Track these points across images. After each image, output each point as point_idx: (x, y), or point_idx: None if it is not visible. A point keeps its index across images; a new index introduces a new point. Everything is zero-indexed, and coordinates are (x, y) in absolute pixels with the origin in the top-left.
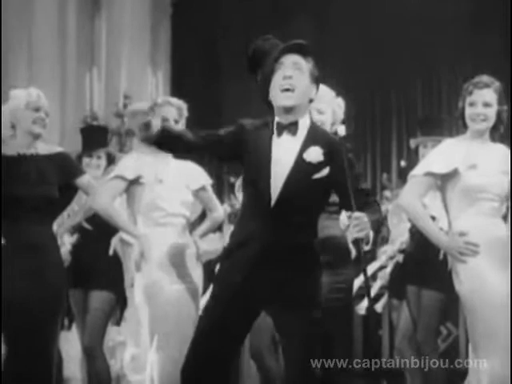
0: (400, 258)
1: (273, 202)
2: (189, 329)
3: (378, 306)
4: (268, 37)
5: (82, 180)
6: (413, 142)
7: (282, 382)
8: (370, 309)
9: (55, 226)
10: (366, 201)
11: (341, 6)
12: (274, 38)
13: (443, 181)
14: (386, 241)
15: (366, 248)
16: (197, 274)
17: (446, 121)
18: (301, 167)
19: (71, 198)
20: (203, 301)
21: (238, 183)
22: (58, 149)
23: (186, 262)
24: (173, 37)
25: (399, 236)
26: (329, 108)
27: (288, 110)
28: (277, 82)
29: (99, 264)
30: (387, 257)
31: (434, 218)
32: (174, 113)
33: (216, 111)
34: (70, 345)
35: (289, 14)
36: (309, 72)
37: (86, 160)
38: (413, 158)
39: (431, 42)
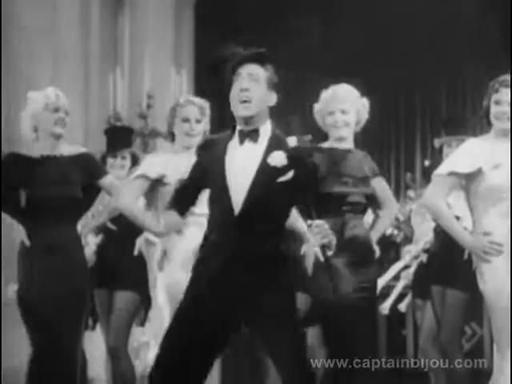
0: (424, 257)
1: (237, 210)
2: None
3: (402, 306)
4: (230, 45)
5: (106, 180)
6: (437, 142)
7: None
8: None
9: (79, 227)
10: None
11: (366, 5)
12: (234, 46)
13: (467, 180)
14: (409, 240)
15: (330, 253)
16: None
17: (471, 120)
18: (265, 172)
19: (94, 199)
20: None
21: None
22: (82, 149)
23: None
24: (196, 35)
25: (423, 235)
26: (352, 108)
27: (247, 120)
28: (235, 93)
29: (124, 264)
30: (411, 256)
31: (458, 218)
32: (196, 112)
33: None
34: (95, 345)
35: (313, 10)
36: (266, 81)
37: (110, 161)
38: (437, 158)
39: (455, 42)
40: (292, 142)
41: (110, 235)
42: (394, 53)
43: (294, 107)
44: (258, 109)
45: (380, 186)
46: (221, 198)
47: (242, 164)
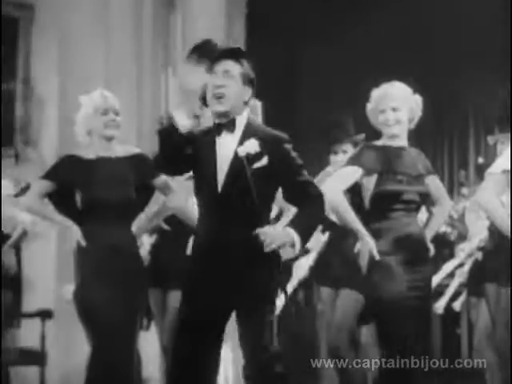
0: (479, 255)
1: (219, 193)
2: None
3: (457, 305)
4: (208, 40)
5: (159, 180)
6: (490, 139)
7: (361, 381)
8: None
9: (134, 227)
10: (305, 195)
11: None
12: (212, 42)
13: None
14: (463, 238)
15: (296, 253)
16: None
17: None
18: (239, 159)
19: (149, 199)
20: (280, 301)
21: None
22: (136, 150)
23: None
24: (247, 35)
25: (477, 233)
26: (404, 105)
27: (222, 115)
28: (210, 89)
29: (178, 264)
30: (465, 254)
31: None
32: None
33: (291, 109)
34: (149, 345)
35: (370, 9)
36: (240, 76)
37: None
38: (490, 155)
39: (507, 37)
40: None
41: (163, 235)
42: (446, 49)
43: (347, 106)
44: (232, 105)
45: (434, 184)
46: (209, 182)
47: (221, 154)
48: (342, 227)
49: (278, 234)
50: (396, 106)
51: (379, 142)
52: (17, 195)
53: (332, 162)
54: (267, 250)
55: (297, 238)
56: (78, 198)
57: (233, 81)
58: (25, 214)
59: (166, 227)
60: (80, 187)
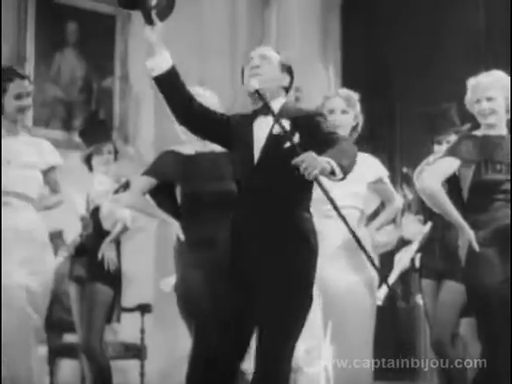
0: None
1: (255, 166)
2: (364, 321)
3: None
4: None
5: None
6: None
7: (462, 376)
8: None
9: None
10: (331, 138)
11: None
12: None
13: None
14: None
15: (339, 177)
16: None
17: None
18: (272, 140)
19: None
20: (380, 292)
21: (416, 173)
22: None
23: (361, 254)
24: (343, 29)
25: None
26: (501, 94)
27: (256, 95)
28: (246, 72)
29: None
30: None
31: None
32: (342, 104)
33: (389, 102)
34: None
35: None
36: (278, 63)
37: None
38: None
39: None
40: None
41: None
42: None
43: (453, 96)
44: (268, 84)
45: None
46: (245, 159)
47: (256, 137)
48: (444, 218)
49: (316, 158)
50: (491, 95)
51: (478, 132)
52: (116, 192)
53: (435, 151)
54: (310, 177)
55: (336, 165)
56: (178, 192)
57: (269, 63)
58: (124, 210)
59: None
60: (181, 182)
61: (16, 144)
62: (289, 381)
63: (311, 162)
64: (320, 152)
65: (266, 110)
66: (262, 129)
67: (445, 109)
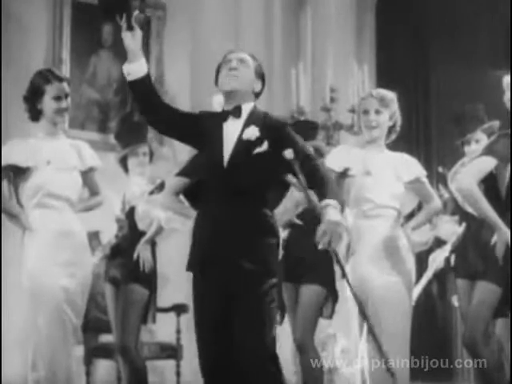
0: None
1: (224, 168)
2: (401, 321)
3: None
4: None
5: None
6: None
7: (497, 373)
8: None
9: None
10: (312, 166)
11: None
12: None
13: None
14: None
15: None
16: (409, 266)
17: None
18: (241, 145)
19: (283, 195)
20: (416, 292)
21: (450, 174)
22: None
23: (399, 254)
24: (377, 28)
25: None
26: None
27: (231, 94)
28: (223, 72)
29: (309, 258)
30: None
31: None
32: (376, 104)
33: (425, 102)
34: (282, 339)
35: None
36: (254, 68)
37: None
38: None
39: None
40: (289, 154)
41: (296, 230)
42: None
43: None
44: (243, 86)
45: None
46: (215, 160)
47: (226, 139)
48: (479, 218)
49: (338, 226)
50: None
51: None
52: (151, 192)
53: (467, 152)
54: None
55: (340, 208)
56: None
57: (247, 67)
58: (159, 210)
59: (298, 222)
60: None
61: (55, 146)
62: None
63: (334, 234)
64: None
65: (237, 113)
66: (232, 132)
67: (471, 108)
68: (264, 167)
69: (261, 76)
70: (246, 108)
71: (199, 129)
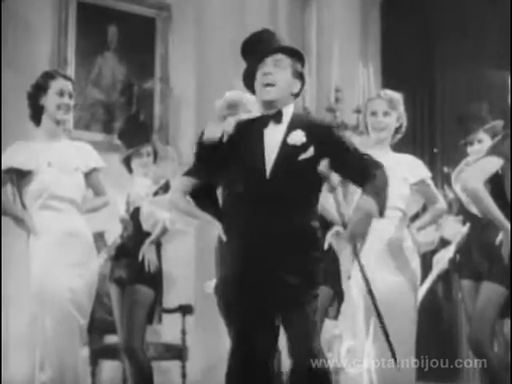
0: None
1: (267, 179)
2: (407, 321)
3: None
4: (266, 29)
5: None
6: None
7: (504, 377)
8: None
9: None
10: (365, 172)
11: None
12: (269, 32)
13: None
14: None
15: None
16: (414, 267)
17: None
18: (286, 151)
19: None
20: (421, 292)
21: (454, 174)
22: None
23: (404, 255)
24: (383, 28)
25: None
26: None
27: (269, 104)
28: (258, 77)
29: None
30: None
31: None
32: (384, 105)
33: (430, 101)
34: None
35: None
36: (290, 67)
37: None
38: None
39: None
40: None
41: None
42: None
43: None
44: (281, 94)
45: None
46: (256, 170)
47: (267, 145)
48: (483, 218)
49: (363, 229)
50: None
51: None
52: (156, 193)
53: (469, 152)
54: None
55: (377, 212)
56: (221, 194)
57: (282, 69)
58: (164, 211)
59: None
60: (224, 184)
61: (57, 148)
62: (328, 371)
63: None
64: (340, 164)
65: (278, 117)
66: (274, 138)
67: (473, 108)
68: (309, 175)
69: (299, 75)
70: (287, 111)
71: (239, 140)
